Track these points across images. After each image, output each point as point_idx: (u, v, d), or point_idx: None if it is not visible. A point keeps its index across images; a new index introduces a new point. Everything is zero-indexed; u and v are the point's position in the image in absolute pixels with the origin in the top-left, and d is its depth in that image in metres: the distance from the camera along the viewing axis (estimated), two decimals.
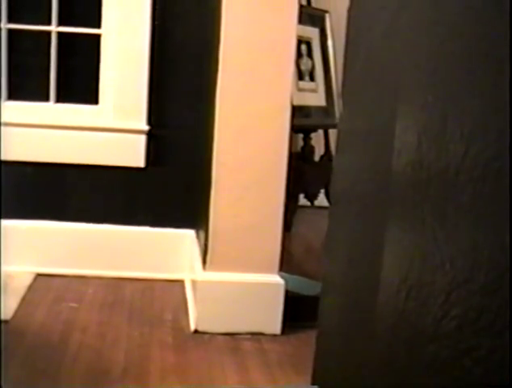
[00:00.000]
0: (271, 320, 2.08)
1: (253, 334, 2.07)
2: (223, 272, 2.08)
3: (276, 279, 2.09)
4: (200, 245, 2.27)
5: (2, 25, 2.43)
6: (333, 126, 3.44)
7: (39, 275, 2.43)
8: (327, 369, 0.96)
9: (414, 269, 0.64)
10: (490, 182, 0.53)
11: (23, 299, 2.23)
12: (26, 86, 2.48)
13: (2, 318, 2.04)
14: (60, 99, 2.47)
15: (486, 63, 0.56)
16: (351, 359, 0.81)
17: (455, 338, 0.57)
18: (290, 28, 2.04)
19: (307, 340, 2.05)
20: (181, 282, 2.46)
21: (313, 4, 3.50)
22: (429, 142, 0.63)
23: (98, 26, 2.43)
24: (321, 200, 3.53)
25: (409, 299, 0.65)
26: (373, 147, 0.84)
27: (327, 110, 3.40)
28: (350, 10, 0.91)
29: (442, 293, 0.59)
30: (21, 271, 2.41)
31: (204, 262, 2.10)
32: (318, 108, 3.35)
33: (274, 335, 2.08)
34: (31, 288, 2.33)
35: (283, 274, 2.13)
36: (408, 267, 0.65)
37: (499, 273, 0.51)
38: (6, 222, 2.39)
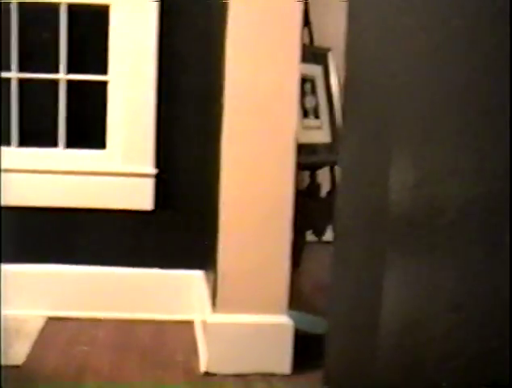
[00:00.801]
0: (281, 360, 2.09)
1: (263, 374, 2.08)
2: (232, 314, 2.09)
3: (285, 319, 2.10)
4: (209, 286, 2.29)
5: (13, 74, 2.49)
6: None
7: (50, 318, 2.45)
8: None
9: (411, 318, 0.67)
10: (476, 246, 0.56)
11: (35, 343, 2.25)
12: (36, 133, 2.53)
13: (15, 363, 2.06)
14: (69, 144, 2.52)
15: (480, 116, 0.58)
16: None
17: (451, 382, 0.59)
18: (293, 68, 2.08)
19: (316, 379, 2.06)
20: (191, 323, 2.48)
21: (316, 42, 3.55)
22: (420, 201, 0.66)
23: (105, 72, 2.48)
24: (329, 235, 3.55)
25: (406, 345, 0.67)
26: (371, 197, 0.87)
27: (332, 146, 3.44)
28: (346, 53, 0.94)
29: (442, 338, 0.61)
30: (33, 315, 2.43)
31: (214, 303, 2.12)
32: (323, 145, 3.38)
33: (285, 375, 2.09)
34: (42, 331, 2.36)
35: (292, 312, 2.15)
36: (405, 316, 0.67)
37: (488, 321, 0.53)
38: (18, 267, 2.42)
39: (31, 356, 2.14)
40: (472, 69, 0.62)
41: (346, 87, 0.92)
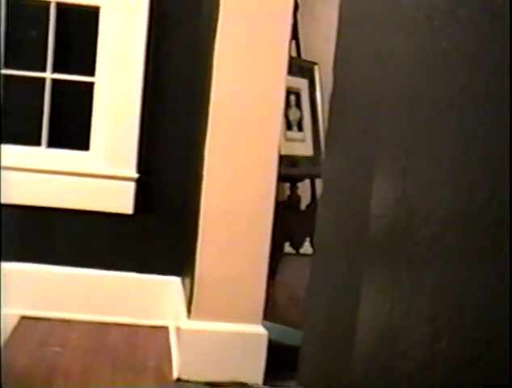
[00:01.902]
0: (254, 370, 2.09)
1: (235, 383, 2.08)
2: (207, 321, 2.09)
3: (259, 329, 2.11)
4: (185, 293, 2.29)
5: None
6: (320, 176, 3.49)
7: (23, 318, 2.44)
8: None
9: (383, 349, 0.68)
10: (452, 275, 0.57)
11: (7, 342, 2.23)
12: (19, 131, 2.52)
13: None
14: (51, 144, 2.51)
15: (452, 167, 0.60)
16: None
17: None
18: (280, 80, 2.09)
19: None
20: (165, 329, 2.47)
21: (303, 56, 3.58)
22: (399, 226, 0.67)
23: (92, 74, 2.48)
24: (307, 248, 3.57)
25: (378, 376, 0.68)
26: (351, 214, 0.88)
27: (314, 159, 3.46)
28: (334, 68, 0.96)
29: (406, 378, 0.63)
30: (6, 313, 2.41)
31: (189, 310, 2.12)
32: (306, 158, 3.40)
33: (257, 385, 2.09)
34: (15, 331, 2.34)
35: (267, 323, 2.15)
36: (378, 345, 0.69)
37: (457, 361, 0.55)
38: None
39: (2, 355, 2.12)
40: (457, 89, 0.64)
41: (331, 100, 0.93)
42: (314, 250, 1.10)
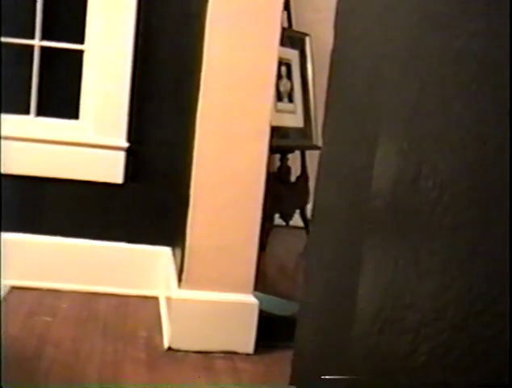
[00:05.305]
0: (245, 339, 2.11)
1: (226, 352, 2.09)
2: (198, 291, 2.10)
3: (250, 299, 2.12)
4: (176, 263, 2.29)
5: None
6: (310, 147, 3.48)
7: (13, 288, 2.43)
8: None
9: (387, 305, 0.68)
10: (460, 230, 0.57)
11: None
12: (7, 99, 2.49)
13: None
14: (41, 112, 2.49)
15: (462, 117, 0.60)
16: (325, 385, 0.84)
17: (424, 373, 0.61)
18: (272, 51, 2.08)
19: (279, 360, 2.08)
20: (155, 299, 2.48)
21: (294, 27, 3.55)
22: (403, 187, 0.67)
23: (82, 41, 2.45)
24: (296, 220, 3.57)
25: (381, 333, 0.68)
26: (352, 185, 0.88)
27: (304, 131, 3.45)
28: (332, 54, 0.95)
29: (412, 331, 0.63)
30: None
31: (180, 280, 2.12)
32: (296, 130, 3.39)
33: (247, 355, 2.10)
34: (5, 300, 2.33)
35: (257, 294, 2.16)
36: (381, 302, 0.69)
37: (465, 314, 0.55)
38: None
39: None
40: (468, 35, 0.63)
41: (332, 56, 0.92)
42: (312, 221, 1.10)
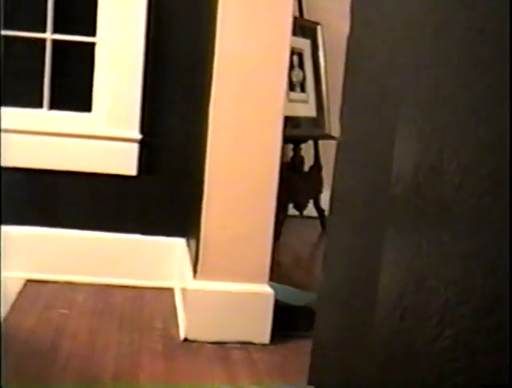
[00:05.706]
0: (260, 329, 2.10)
1: (242, 343, 2.09)
2: (213, 281, 2.09)
3: (266, 289, 2.11)
4: (191, 254, 2.28)
5: None
6: (323, 137, 3.47)
7: (29, 281, 2.44)
8: (322, 382, 0.99)
9: (409, 290, 0.67)
10: (484, 213, 0.56)
11: (13, 305, 2.24)
12: (20, 93, 2.50)
13: None
14: (53, 106, 2.49)
15: (483, 101, 0.59)
16: (346, 373, 0.84)
17: (449, 357, 0.60)
18: (284, 40, 2.07)
19: (295, 350, 2.08)
20: (171, 290, 2.48)
21: (305, 16, 3.54)
22: (425, 172, 0.66)
23: (93, 34, 2.45)
24: (310, 210, 3.57)
25: (404, 318, 0.67)
26: (372, 171, 0.87)
27: (317, 121, 3.44)
28: (349, 39, 0.94)
29: (436, 315, 0.62)
30: (11, 277, 2.42)
31: (195, 271, 2.12)
32: (308, 119, 3.38)
33: (263, 345, 2.10)
34: (21, 294, 2.34)
35: (273, 284, 2.15)
36: (404, 288, 0.68)
37: (491, 298, 0.54)
38: None
39: (8, 319, 2.13)
40: (486, 13, 0.62)
41: (347, 53, 0.91)
42: (330, 211, 1.08)
